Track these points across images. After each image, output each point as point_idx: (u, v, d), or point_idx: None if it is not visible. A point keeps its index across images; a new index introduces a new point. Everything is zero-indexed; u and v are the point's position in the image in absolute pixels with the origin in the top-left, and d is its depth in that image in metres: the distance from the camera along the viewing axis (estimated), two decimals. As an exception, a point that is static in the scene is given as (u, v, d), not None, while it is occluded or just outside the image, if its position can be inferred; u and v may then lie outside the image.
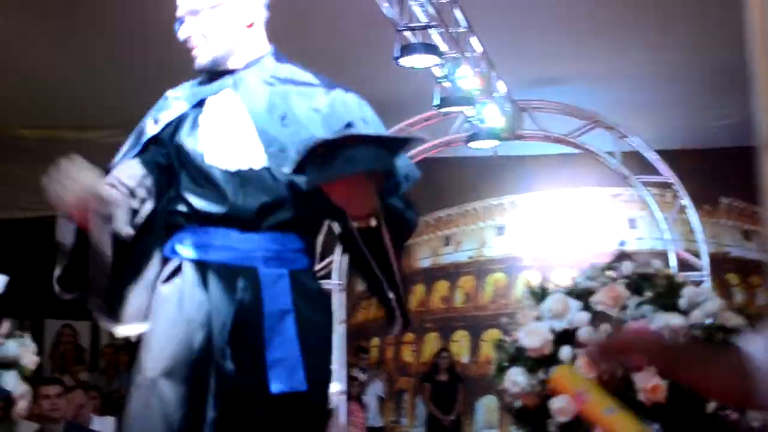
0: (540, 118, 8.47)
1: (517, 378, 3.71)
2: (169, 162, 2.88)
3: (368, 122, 2.84)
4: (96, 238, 2.72)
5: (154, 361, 2.69)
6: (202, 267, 2.75)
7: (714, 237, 10.75)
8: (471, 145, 8.43)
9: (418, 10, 6.58)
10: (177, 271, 2.78)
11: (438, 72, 7.28)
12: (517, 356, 3.77)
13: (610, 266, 3.95)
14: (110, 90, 10.16)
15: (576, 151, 9.30)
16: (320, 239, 8.34)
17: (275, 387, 2.65)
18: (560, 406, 3.59)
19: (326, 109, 2.83)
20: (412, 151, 8.66)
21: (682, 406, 3.43)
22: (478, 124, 8.30)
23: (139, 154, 2.90)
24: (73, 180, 2.66)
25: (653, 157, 8.15)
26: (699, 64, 9.57)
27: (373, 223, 2.65)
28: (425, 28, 6.54)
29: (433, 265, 12.07)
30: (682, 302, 3.69)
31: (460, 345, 11.96)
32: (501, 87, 8.19)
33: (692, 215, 8.06)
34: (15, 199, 11.33)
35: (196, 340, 2.68)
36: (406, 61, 6.61)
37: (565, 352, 3.67)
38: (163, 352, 2.68)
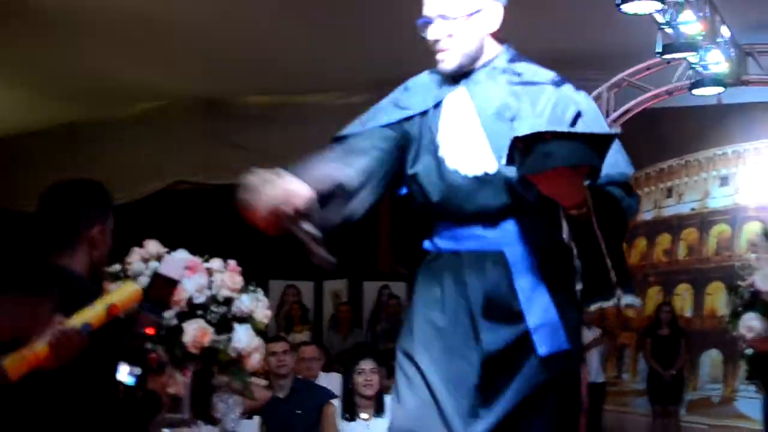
0: (766, 63, 8.16)
1: (752, 323, 3.62)
2: (398, 151, 3.12)
3: (587, 119, 2.99)
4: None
5: (417, 340, 3.08)
6: (456, 255, 3.06)
7: None
8: (695, 92, 8.22)
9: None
10: (436, 259, 3.12)
11: (660, 18, 7.15)
12: (753, 301, 3.67)
13: None
14: (331, 53, 10.33)
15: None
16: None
17: (542, 350, 2.95)
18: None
19: (549, 109, 2.99)
20: (634, 101, 8.53)
21: None
22: (701, 70, 8.09)
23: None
24: (273, 186, 2.78)
25: None
26: None
27: (582, 211, 2.82)
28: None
29: (655, 217, 11.83)
30: None
31: (683, 298, 11.71)
32: (724, 32, 7.95)
33: None
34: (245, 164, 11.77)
35: (461, 316, 3.02)
36: (629, 7, 6.53)
37: (802, 296, 3.51)
38: (425, 332, 3.07)
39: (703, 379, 11.59)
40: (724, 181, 11.57)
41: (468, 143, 3.04)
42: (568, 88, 3.03)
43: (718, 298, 11.10)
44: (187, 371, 4.45)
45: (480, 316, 2.99)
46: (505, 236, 3.04)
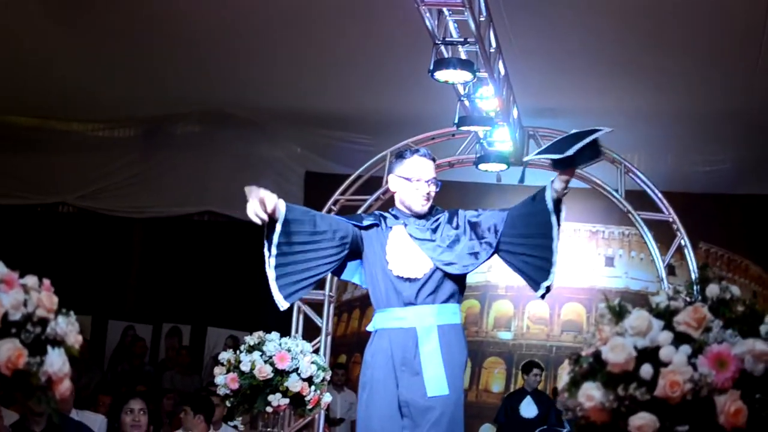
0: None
1: (592, 392, 3.61)
2: (347, 245, 4.75)
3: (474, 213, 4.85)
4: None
5: (368, 386, 4.76)
6: (386, 331, 4.72)
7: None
8: (481, 166, 8.41)
9: (451, 26, 6.53)
10: (376, 334, 4.78)
11: (461, 90, 7.26)
12: (594, 371, 3.67)
13: (692, 287, 3.84)
14: (99, 85, 10.06)
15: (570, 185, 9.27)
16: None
17: (431, 392, 4.60)
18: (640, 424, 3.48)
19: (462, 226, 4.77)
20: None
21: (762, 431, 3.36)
22: (486, 146, 8.28)
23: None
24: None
25: (657, 195, 8.19)
26: (697, 109, 9.71)
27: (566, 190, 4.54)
28: (463, 43, 6.48)
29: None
30: (763, 329, 3.61)
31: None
32: (514, 112, 8.19)
33: (690, 255, 8.10)
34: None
35: (388, 370, 4.67)
36: (442, 75, 6.56)
37: (645, 369, 3.58)
38: (372, 381, 4.73)
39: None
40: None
41: (406, 258, 4.70)
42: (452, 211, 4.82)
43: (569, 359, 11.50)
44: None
45: (399, 372, 4.65)
46: (418, 317, 4.65)
